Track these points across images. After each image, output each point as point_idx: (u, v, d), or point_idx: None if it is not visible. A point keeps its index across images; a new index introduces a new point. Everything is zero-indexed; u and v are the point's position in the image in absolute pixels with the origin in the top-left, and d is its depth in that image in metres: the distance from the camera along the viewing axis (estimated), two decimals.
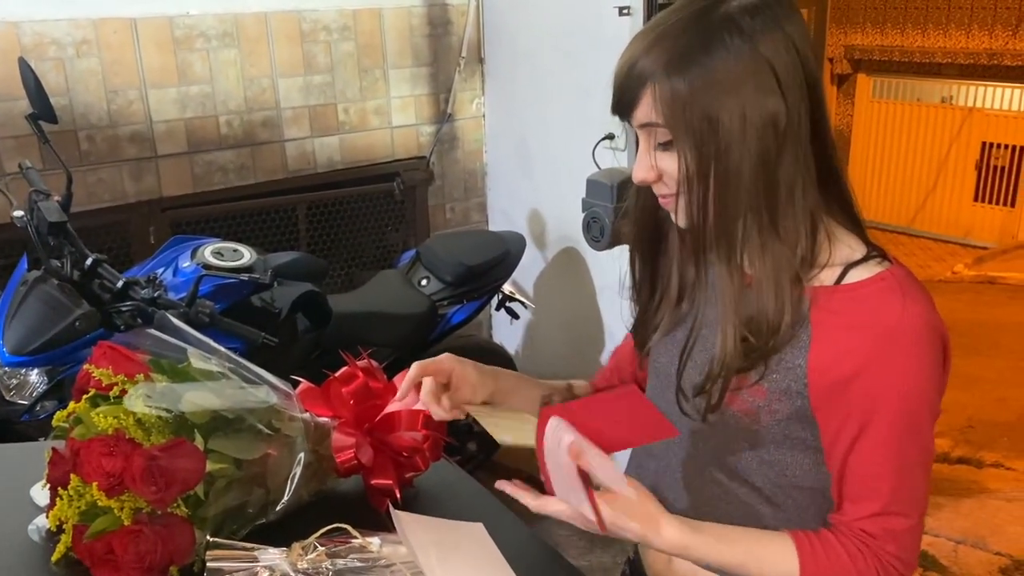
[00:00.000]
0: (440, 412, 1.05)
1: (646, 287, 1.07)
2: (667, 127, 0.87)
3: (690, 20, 0.86)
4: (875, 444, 0.89)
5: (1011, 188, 9.11)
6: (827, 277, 0.92)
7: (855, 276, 0.91)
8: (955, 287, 8.10)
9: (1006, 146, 9.04)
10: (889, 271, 0.91)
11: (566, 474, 0.86)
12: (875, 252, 0.93)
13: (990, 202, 9.26)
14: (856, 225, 0.96)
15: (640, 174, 0.93)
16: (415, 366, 1.06)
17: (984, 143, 9.15)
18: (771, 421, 0.94)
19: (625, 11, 2.50)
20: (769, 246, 0.89)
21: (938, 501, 3.46)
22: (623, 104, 0.90)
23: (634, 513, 0.89)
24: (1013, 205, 9.12)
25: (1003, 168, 9.09)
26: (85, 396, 1.07)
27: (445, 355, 1.08)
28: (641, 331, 1.08)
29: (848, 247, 0.93)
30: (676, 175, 0.90)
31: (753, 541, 0.92)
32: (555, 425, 0.87)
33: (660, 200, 0.96)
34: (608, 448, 0.85)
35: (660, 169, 0.91)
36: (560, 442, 0.85)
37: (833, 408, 0.91)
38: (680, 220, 0.93)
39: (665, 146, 0.89)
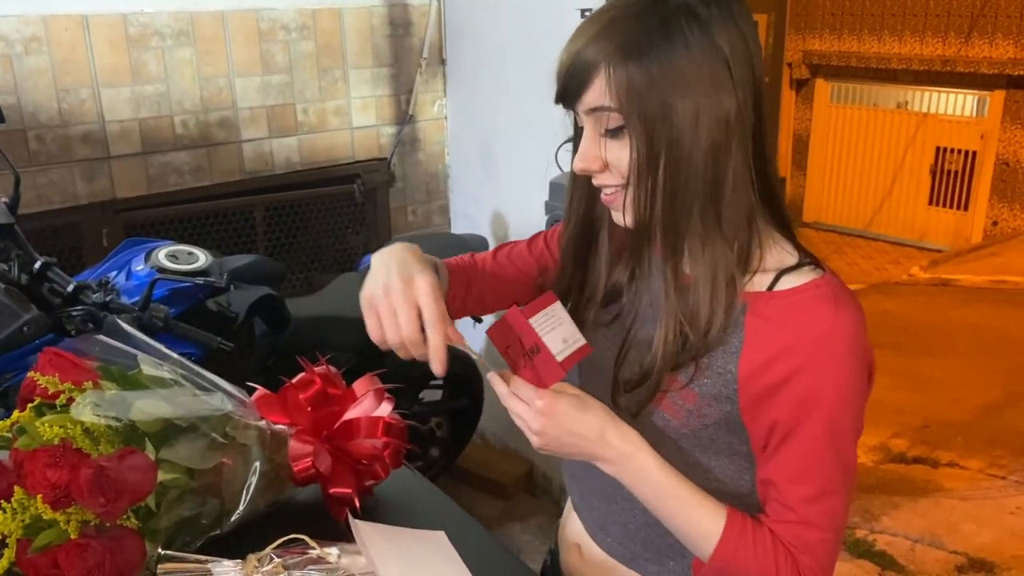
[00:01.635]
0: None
1: (576, 289, 1.04)
2: (620, 112, 0.85)
3: (645, 7, 0.84)
4: (797, 451, 0.89)
5: (964, 192, 9.30)
6: (760, 283, 0.91)
7: (788, 283, 0.90)
8: (911, 289, 8.24)
9: (959, 151, 9.24)
10: (823, 279, 0.89)
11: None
12: (808, 259, 0.92)
13: (944, 206, 9.45)
14: (787, 229, 0.95)
15: (582, 163, 0.90)
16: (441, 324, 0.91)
17: (938, 148, 9.33)
18: (699, 425, 0.93)
19: (587, 12, 2.50)
20: (711, 242, 0.88)
21: (895, 501, 3.51)
22: (570, 89, 0.87)
23: (592, 408, 0.90)
24: (966, 209, 9.32)
25: (956, 172, 9.29)
26: (30, 405, 1.03)
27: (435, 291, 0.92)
28: None
29: (780, 252, 0.92)
30: (624, 165, 0.87)
31: (695, 490, 0.91)
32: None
33: (604, 197, 0.93)
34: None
35: (606, 159, 0.88)
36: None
37: (761, 414, 0.90)
38: (627, 214, 0.91)
39: (614, 133, 0.87)
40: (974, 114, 9.22)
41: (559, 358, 0.88)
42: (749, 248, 0.90)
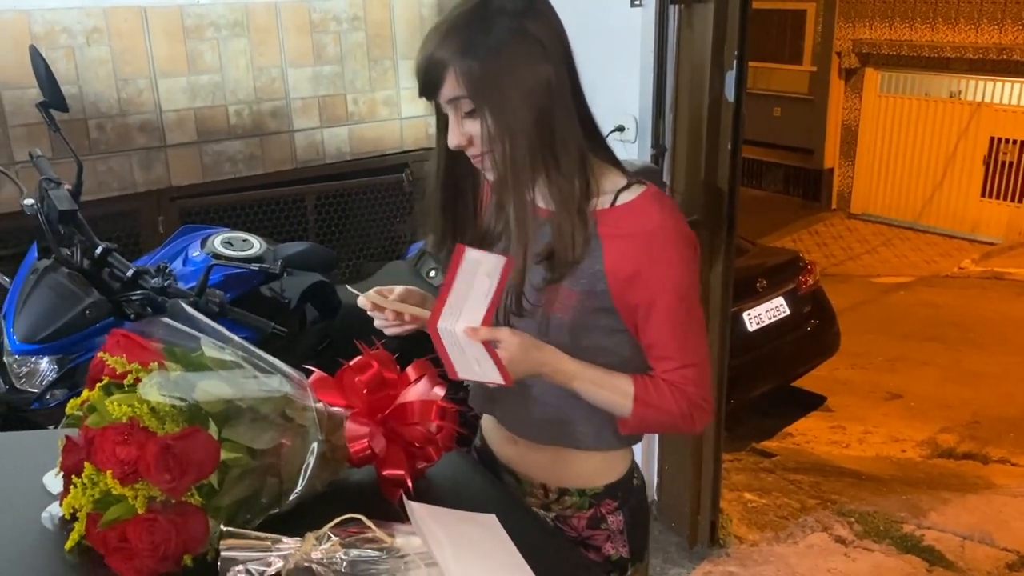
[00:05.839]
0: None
1: (449, 234, 1.28)
2: (470, 98, 1.11)
3: (472, 13, 1.11)
4: (662, 320, 1.19)
5: (1019, 183, 9.08)
6: (604, 203, 1.18)
7: (625, 198, 1.18)
8: (961, 282, 8.08)
9: (1014, 141, 9.01)
10: (648, 190, 1.18)
11: (468, 352, 1.10)
12: (635, 180, 1.20)
13: (998, 197, 9.24)
14: (614, 161, 1.22)
15: (455, 140, 1.16)
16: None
17: (992, 138, 9.12)
18: (584, 316, 1.20)
19: (637, 3, 2.49)
20: (554, 182, 1.15)
21: (943, 496, 3.45)
22: (430, 86, 1.13)
23: (530, 352, 1.15)
24: (1021, 201, 9.10)
25: (1011, 163, 9.07)
26: (99, 384, 1.07)
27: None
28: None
29: (613, 177, 1.20)
30: (481, 137, 1.13)
31: (606, 371, 1.21)
32: (447, 324, 1.09)
33: (473, 160, 1.19)
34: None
35: (469, 135, 1.14)
36: (454, 331, 1.10)
37: (627, 298, 1.18)
38: (489, 173, 1.17)
39: (470, 114, 1.13)
40: None
41: (488, 299, 1.10)
42: (587, 181, 1.17)
